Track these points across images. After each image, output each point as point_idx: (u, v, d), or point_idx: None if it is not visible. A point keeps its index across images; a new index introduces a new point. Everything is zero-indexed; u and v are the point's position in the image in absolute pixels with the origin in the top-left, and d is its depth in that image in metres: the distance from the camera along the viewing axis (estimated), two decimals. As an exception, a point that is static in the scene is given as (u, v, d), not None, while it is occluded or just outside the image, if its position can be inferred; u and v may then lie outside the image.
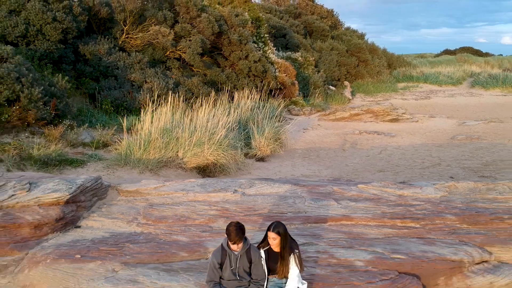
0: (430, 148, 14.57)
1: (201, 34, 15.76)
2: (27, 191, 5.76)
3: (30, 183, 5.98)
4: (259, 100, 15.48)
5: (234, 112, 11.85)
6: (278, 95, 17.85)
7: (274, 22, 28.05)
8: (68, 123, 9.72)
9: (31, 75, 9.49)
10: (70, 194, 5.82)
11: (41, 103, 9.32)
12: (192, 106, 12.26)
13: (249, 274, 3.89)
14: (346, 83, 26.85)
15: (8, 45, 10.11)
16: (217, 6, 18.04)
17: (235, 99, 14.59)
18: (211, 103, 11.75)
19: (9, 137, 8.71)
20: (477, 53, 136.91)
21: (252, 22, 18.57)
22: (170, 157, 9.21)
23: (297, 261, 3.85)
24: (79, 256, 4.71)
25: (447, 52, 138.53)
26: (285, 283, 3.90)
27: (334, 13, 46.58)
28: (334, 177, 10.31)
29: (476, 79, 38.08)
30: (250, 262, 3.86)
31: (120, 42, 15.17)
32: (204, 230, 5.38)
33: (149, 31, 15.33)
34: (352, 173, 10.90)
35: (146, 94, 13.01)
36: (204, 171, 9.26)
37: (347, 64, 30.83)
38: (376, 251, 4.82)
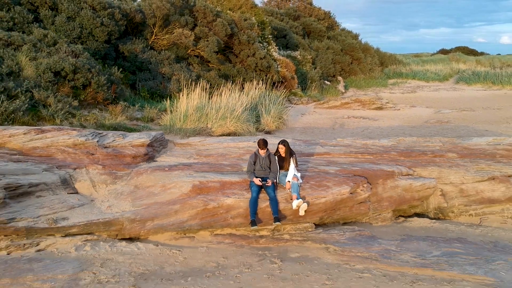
0: (404, 128, 17.81)
1: (216, 35, 19.00)
2: (123, 138, 8.99)
3: (122, 134, 9.23)
4: (265, 89, 18.71)
5: (246, 97, 15.07)
6: (280, 87, 21.06)
7: (275, 24, 31.28)
8: (124, 103, 12.95)
9: (97, 66, 12.74)
10: (150, 140, 9.05)
11: (105, 88, 12.56)
12: (212, 95, 15.50)
13: (269, 168, 7.12)
14: (339, 78, 30.09)
15: (78, 44, 13.35)
16: (228, 11, 21.28)
17: (245, 90, 17.80)
18: (229, 90, 14.99)
19: (86, 111, 11.94)
20: (472, 52, 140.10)
21: (258, 25, 21.81)
22: (202, 127, 12.43)
23: (294, 160, 7.10)
24: (167, 169, 7.94)
25: (443, 51, 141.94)
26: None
27: (331, 14, 49.70)
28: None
29: (461, 76, 41.32)
30: (270, 161, 7.10)
31: (150, 42, 18.41)
32: (238, 159, 8.61)
33: (173, 33, 18.56)
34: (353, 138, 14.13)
35: (175, 84, 16.30)
36: (227, 136, 12.46)
37: (342, 62, 34.09)
38: (342, 166, 8.07)
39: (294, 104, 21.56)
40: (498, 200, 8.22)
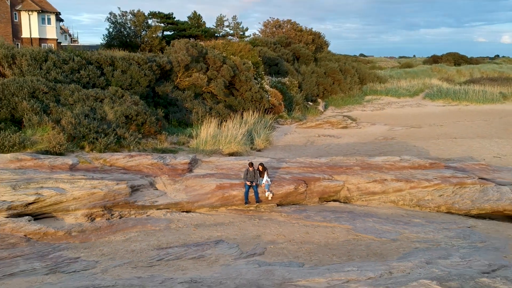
0: (357, 144, 25.05)
1: (223, 77, 26.27)
2: (175, 159, 16.25)
3: (174, 156, 16.50)
4: (258, 116, 26.00)
5: (244, 126, 22.33)
6: (270, 112, 28.37)
7: (269, 55, 38.55)
8: (166, 133, 20.21)
9: (149, 110, 20.02)
10: (189, 160, 16.31)
11: (155, 124, 19.82)
12: (221, 123, 22.76)
13: (254, 176, 14.38)
14: (319, 100, 37.35)
15: (136, 96, 20.63)
16: (231, 56, 28.57)
17: (244, 117, 25.06)
18: (233, 121, 22.24)
19: (145, 140, 19.19)
20: (462, 58, 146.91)
21: (253, 65, 29.08)
22: (216, 148, 19.69)
23: (267, 173, 14.37)
24: (202, 176, 15.20)
25: (434, 57, 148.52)
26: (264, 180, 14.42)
27: (321, 34, 56.98)
28: (295, 159, 20.77)
29: (428, 92, 48.48)
30: (254, 173, 14.35)
31: (175, 84, 25.70)
32: (239, 171, 15.88)
33: (192, 76, 25.84)
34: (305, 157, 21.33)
35: (195, 115, 23.58)
36: (232, 155, 19.72)
37: (324, 84, 41.36)
38: (294, 175, 15.34)
39: (281, 124, 28.84)
40: (377, 193, 15.46)
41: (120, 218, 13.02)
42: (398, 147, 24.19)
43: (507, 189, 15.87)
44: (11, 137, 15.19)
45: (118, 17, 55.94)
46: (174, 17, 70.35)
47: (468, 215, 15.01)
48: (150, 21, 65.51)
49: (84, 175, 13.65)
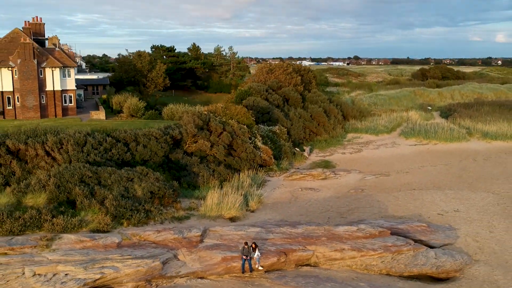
0: (332, 199, 30.92)
1: (223, 142, 32.14)
2: (189, 232, 22.13)
3: (189, 229, 22.39)
4: (252, 173, 31.89)
5: (241, 189, 28.20)
6: (262, 166, 34.26)
7: (261, 104, 44.40)
8: (180, 200, 26.04)
9: (168, 184, 25.86)
10: (201, 232, 22.18)
11: (172, 194, 25.64)
12: (222, 182, 28.64)
13: (248, 252, 20.29)
14: (305, 147, 43.25)
15: (157, 172, 26.47)
16: (230, 120, 34.45)
17: (241, 177, 30.90)
18: (231, 184, 28.09)
19: (164, 209, 25.00)
20: (450, 71, 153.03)
21: (247, 126, 34.95)
22: (219, 214, 25.55)
23: (258, 249, 20.29)
24: (210, 248, 21.07)
25: (422, 70, 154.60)
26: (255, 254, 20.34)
27: (310, 69, 62.93)
28: (281, 219, 26.71)
29: (403, 129, 54.18)
30: (249, 249, 20.27)
31: (184, 149, 31.55)
32: (237, 242, 21.78)
33: (197, 142, 31.68)
34: (289, 217, 27.23)
35: (201, 178, 29.47)
36: (232, 219, 25.61)
37: (310, 127, 47.27)
38: (277, 247, 21.28)
39: (271, 177, 34.72)
40: (338, 259, 21.39)
41: (156, 287, 18.89)
42: (364, 203, 30.06)
43: (433, 254, 21.91)
44: (72, 220, 21.00)
45: (125, 58, 61.79)
46: (175, 49, 76.64)
47: (402, 276, 20.98)
48: (152, 52, 71.45)
49: (130, 255, 19.51)
